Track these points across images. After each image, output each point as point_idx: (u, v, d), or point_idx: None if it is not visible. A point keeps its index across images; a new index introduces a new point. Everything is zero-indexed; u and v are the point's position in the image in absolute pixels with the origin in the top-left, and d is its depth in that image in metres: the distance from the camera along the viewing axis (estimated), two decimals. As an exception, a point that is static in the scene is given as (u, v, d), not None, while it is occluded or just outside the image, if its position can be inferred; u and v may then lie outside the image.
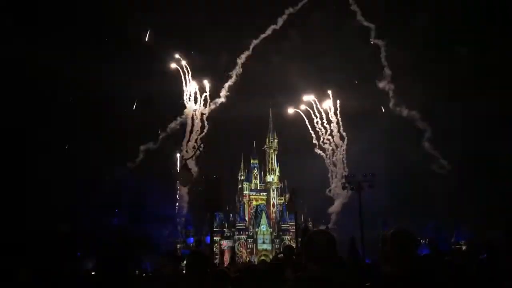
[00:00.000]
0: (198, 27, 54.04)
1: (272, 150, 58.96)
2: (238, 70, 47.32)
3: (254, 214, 56.14)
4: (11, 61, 36.40)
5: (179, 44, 49.49)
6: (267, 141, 59.76)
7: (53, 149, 41.54)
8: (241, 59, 47.98)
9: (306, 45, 56.46)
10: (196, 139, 45.58)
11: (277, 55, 53.15)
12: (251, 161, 59.81)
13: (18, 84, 38.96)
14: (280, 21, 47.48)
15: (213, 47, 51.51)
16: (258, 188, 58.25)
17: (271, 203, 57.35)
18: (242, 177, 58.14)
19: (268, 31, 47.36)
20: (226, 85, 47.23)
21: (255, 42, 47.58)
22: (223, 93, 46.98)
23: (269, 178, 57.90)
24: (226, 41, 52.49)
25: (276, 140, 59.64)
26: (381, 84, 45.80)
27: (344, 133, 49.41)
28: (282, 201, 56.81)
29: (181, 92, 47.49)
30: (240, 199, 57.43)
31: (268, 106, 60.04)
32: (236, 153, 60.68)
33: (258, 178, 58.47)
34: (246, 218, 55.47)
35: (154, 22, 49.10)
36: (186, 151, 43.31)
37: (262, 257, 45.37)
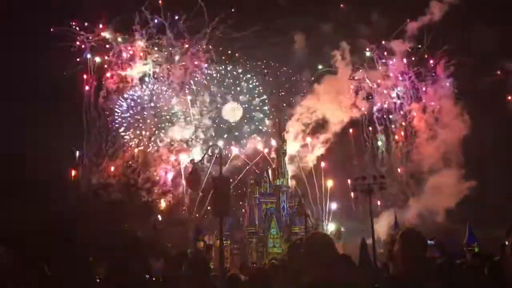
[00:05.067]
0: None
1: (281, 154, 58.61)
2: None
3: (264, 217, 55.95)
4: None
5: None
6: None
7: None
8: None
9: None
10: None
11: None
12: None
13: None
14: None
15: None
16: (268, 191, 58.00)
17: (281, 206, 57.05)
18: (252, 181, 58.01)
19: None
20: None
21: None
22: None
23: (278, 181, 57.63)
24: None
25: (285, 143, 59.24)
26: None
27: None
28: (292, 204, 56.49)
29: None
30: (250, 202, 57.26)
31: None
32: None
33: (268, 181, 58.22)
34: (256, 222, 55.31)
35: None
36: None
37: (272, 261, 45.27)
